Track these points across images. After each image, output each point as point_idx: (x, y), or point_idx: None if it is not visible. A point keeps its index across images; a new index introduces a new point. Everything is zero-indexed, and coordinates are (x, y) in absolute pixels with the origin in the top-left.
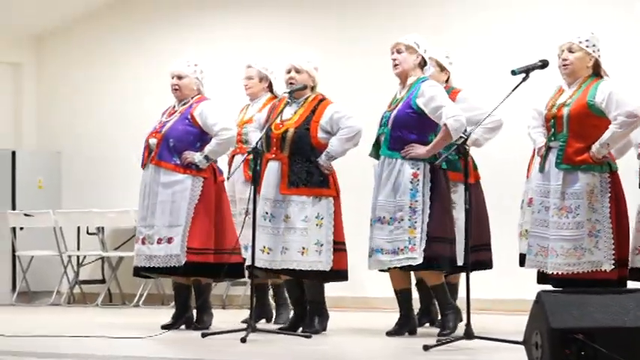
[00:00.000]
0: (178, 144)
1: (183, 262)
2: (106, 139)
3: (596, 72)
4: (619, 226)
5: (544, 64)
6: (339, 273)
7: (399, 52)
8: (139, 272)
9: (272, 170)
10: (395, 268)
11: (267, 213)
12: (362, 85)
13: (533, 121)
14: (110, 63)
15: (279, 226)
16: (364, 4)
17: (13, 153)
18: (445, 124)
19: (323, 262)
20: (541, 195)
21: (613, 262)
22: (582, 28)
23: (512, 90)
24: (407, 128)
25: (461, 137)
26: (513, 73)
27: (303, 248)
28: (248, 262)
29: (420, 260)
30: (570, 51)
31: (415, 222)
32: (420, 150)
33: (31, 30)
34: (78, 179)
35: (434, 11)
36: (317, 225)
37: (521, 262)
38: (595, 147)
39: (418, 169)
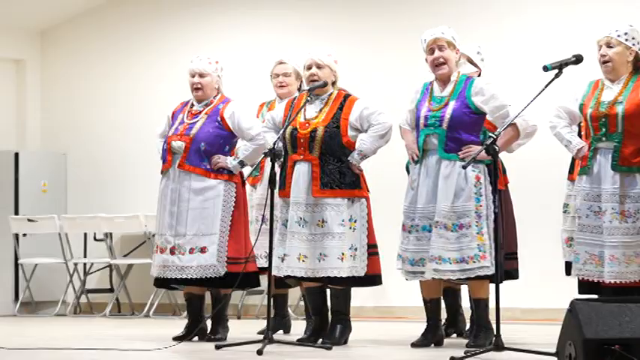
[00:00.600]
0: (210, 148)
1: (223, 273)
2: (114, 140)
3: (638, 66)
4: None
5: (578, 60)
6: (373, 278)
7: (440, 49)
8: (167, 284)
9: (301, 173)
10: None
11: (300, 218)
12: (374, 81)
13: (560, 121)
14: (116, 59)
15: (315, 232)
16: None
17: (16, 154)
18: (515, 124)
19: (357, 267)
20: (589, 199)
21: None
22: (619, 22)
23: (545, 86)
24: (464, 128)
25: (490, 137)
26: (545, 69)
27: (342, 254)
28: (275, 272)
29: (493, 269)
30: (609, 46)
31: (482, 228)
32: (478, 151)
33: (34, 25)
34: (84, 182)
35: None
36: (351, 228)
37: (568, 271)
38: None
39: (480, 171)
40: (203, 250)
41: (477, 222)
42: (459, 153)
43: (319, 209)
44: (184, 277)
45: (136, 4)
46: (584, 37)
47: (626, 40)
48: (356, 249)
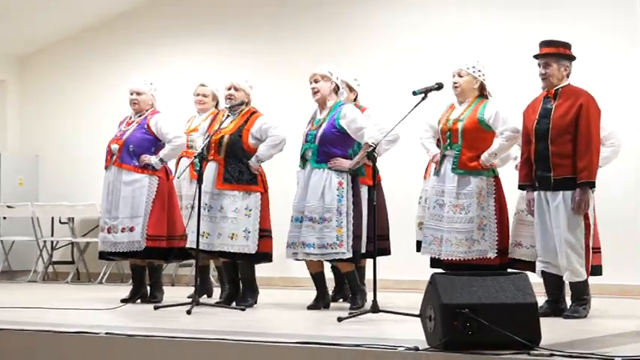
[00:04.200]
0: (137, 149)
1: (143, 247)
2: (77, 144)
3: (482, 93)
4: (501, 221)
5: (440, 86)
6: (264, 255)
7: (316, 81)
8: (105, 256)
9: (210, 169)
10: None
11: (206, 204)
12: (284, 103)
13: (425, 133)
14: (82, 82)
15: (216, 215)
16: (287, 39)
17: None
18: (367, 143)
19: (250, 246)
20: (436, 194)
21: (496, 251)
22: (470, 56)
23: (414, 107)
24: (332, 144)
25: (370, 145)
26: (414, 93)
27: (233, 234)
28: (192, 246)
29: (350, 255)
30: (460, 75)
31: (341, 222)
32: (344, 163)
33: (15, 51)
34: (52, 177)
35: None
36: (246, 215)
37: (418, 249)
38: (484, 156)
39: (342, 178)
40: (132, 229)
41: (337, 217)
42: (328, 163)
43: (220, 198)
44: (117, 250)
45: (98, 37)
46: (445, 67)
47: (474, 71)
48: (249, 232)
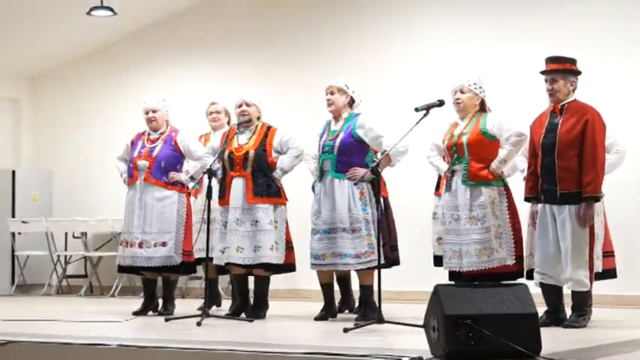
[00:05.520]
0: (168, 165)
1: (179, 263)
2: (89, 161)
3: (482, 108)
4: (515, 229)
5: (441, 103)
6: (290, 266)
7: (332, 93)
8: (134, 271)
9: (238, 185)
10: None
11: (237, 219)
12: (292, 116)
13: (432, 152)
14: (94, 100)
15: (249, 229)
16: (292, 56)
17: (13, 172)
18: (385, 151)
19: (279, 257)
20: (450, 209)
21: (514, 257)
22: (471, 72)
23: (416, 123)
24: (350, 154)
25: (374, 160)
26: (416, 110)
27: (272, 246)
28: (217, 262)
29: (382, 261)
30: (462, 92)
31: (370, 231)
32: (361, 172)
33: (28, 70)
34: (66, 193)
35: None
36: (275, 228)
37: (436, 263)
38: (494, 164)
39: (363, 187)
40: (164, 244)
41: (365, 226)
42: (347, 174)
43: (252, 212)
44: (151, 265)
45: (111, 57)
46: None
47: (475, 88)
48: (278, 243)
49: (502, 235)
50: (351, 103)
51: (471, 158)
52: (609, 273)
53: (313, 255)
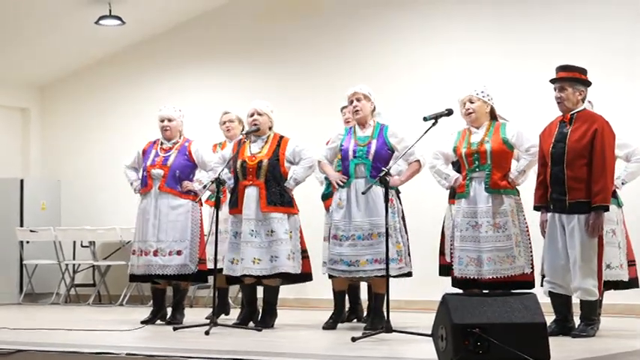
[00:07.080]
0: (182, 175)
1: (195, 270)
2: (98, 171)
3: (494, 116)
4: (530, 238)
5: (450, 112)
6: (307, 275)
7: (358, 100)
8: (152, 279)
9: (251, 194)
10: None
11: (252, 230)
12: (304, 126)
13: (438, 161)
14: (102, 109)
15: (265, 240)
16: (305, 67)
17: (22, 181)
18: (418, 161)
19: (295, 266)
20: (467, 216)
21: (531, 266)
22: (477, 81)
23: (425, 132)
24: (383, 161)
25: (382, 170)
26: (425, 119)
27: (289, 255)
28: (227, 272)
29: (410, 269)
30: (471, 102)
31: (398, 238)
32: (395, 180)
33: (37, 81)
34: (74, 202)
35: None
36: (290, 237)
37: (441, 273)
38: (513, 174)
39: (392, 195)
40: (179, 252)
41: (394, 233)
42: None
43: (267, 223)
44: (166, 273)
45: (119, 66)
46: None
47: (483, 96)
48: (294, 253)
49: (521, 244)
50: (373, 110)
51: (493, 166)
52: (632, 282)
53: (345, 262)
